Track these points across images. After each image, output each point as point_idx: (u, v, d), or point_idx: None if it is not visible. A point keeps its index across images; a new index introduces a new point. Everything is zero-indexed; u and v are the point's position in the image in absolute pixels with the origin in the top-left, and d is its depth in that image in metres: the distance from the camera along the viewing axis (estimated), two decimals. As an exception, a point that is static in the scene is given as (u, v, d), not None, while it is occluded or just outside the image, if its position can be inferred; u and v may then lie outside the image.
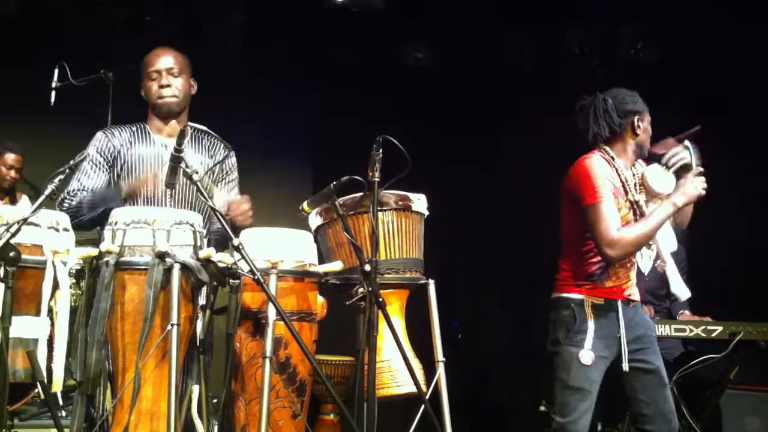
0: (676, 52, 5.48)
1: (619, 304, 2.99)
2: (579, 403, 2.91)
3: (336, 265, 2.96)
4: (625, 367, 2.94)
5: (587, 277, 2.99)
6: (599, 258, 2.96)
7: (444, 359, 3.09)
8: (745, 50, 5.05)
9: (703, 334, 3.64)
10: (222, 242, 2.96)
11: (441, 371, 3.08)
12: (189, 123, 2.72)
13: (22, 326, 2.57)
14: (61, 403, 3.66)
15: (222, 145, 3.23)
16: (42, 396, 2.59)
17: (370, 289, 2.75)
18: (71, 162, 2.67)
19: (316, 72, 5.88)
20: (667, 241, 3.23)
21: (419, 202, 3.21)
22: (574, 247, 3.02)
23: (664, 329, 3.60)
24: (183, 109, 3.20)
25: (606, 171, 2.99)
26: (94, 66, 3.51)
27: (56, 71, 3.03)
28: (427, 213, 3.24)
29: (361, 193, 3.05)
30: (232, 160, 3.29)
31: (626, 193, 3.02)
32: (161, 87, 3.13)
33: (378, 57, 5.76)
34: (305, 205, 3.07)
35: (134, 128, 3.20)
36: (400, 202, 3.16)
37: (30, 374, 2.56)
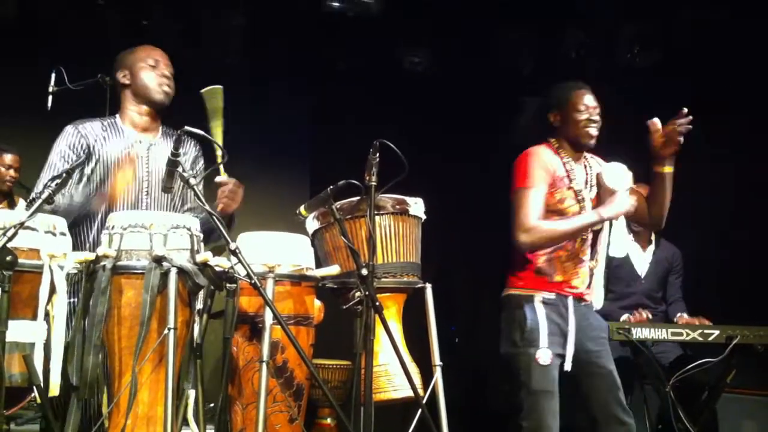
0: (675, 52, 5.48)
1: (570, 300, 2.98)
2: (546, 405, 2.89)
3: (333, 269, 2.96)
4: (567, 366, 2.91)
5: (535, 271, 2.98)
6: (546, 250, 2.96)
7: (441, 363, 3.09)
8: (745, 50, 5.06)
9: (700, 338, 3.64)
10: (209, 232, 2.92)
11: (438, 375, 3.07)
12: (186, 127, 2.72)
13: (18, 330, 2.55)
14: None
15: (192, 142, 3.23)
16: (38, 400, 2.58)
17: (367, 293, 2.74)
18: (68, 167, 2.67)
19: (314, 74, 5.88)
20: (617, 245, 3.24)
21: (416, 206, 3.21)
22: None
23: (660, 333, 3.60)
24: (166, 107, 3.19)
25: (545, 160, 3.00)
26: (93, 69, 3.51)
27: (53, 75, 3.02)
28: (424, 217, 3.24)
29: (358, 197, 3.04)
30: (201, 161, 3.28)
31: (570, 181, 3.03)
32: (164, 77, 3.14)
33: (377, 58, 5.76)
34: (302, 209, 3.06)
35: (105, 122, 3.15)
36: (397, 206, 3.16)
37: (26, 378, 2.55)
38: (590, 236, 3.11)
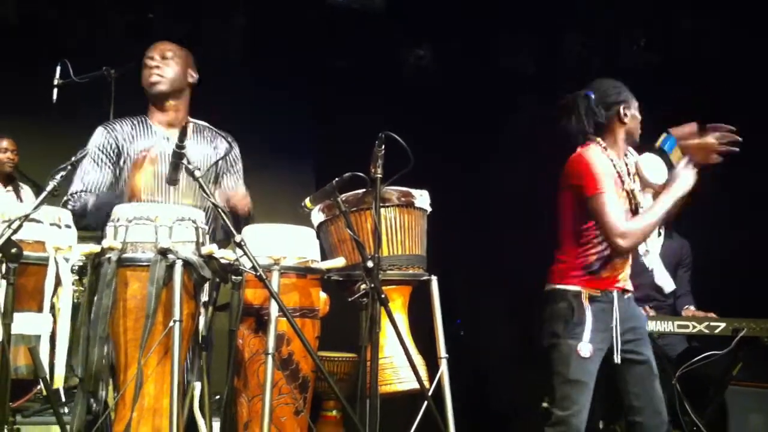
0: (676, 54, 5.48)
1: (615, 294, 2.98)
2: (579, 396, 2.89)
3: (338, 262, 2.95)
4: (617, 359, 2.93)
5: (584, 268, 2.98)
6: (598, 249, 2.96)
7: (447, 356, 3.08)
8: (746, 51, 5.06)
9: (707, 331, 3.63)
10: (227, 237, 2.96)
11: (444, 368, 3.07)
12: (190, 119, 2.72)
13: (24, 323, 2.56)
14: (63, 399, 3.66)
15: (220, 138, 3.22)
16: (44, 392, 2.58)
17: (372, 285, 2.74)
18: (73, 158, 2.68)
19: (316, 75, 5.88)
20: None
21: (422, 198, 3.20)
22: (573, 238, 3.01)
23: (667, 326, 3.59)
24: (174, 93, 3.15)
25: (606, 162, 2.99)
26: (96, 66, 3.52)
27: (58, 68, 3.02)
28: (429, 209, 3.24)
29: (363, 190, 3.05)
30: (236, 151, 3.27)
31: (622, 183, 3.02)
32: (150, 68, 3.12)
33: (379, 57, 5.76)
34: (307, 201, 3.06)
35: (135, 121, 3.17)
36: (403, 198, 3.16)
37: (32, 371, 2.55)
38: None
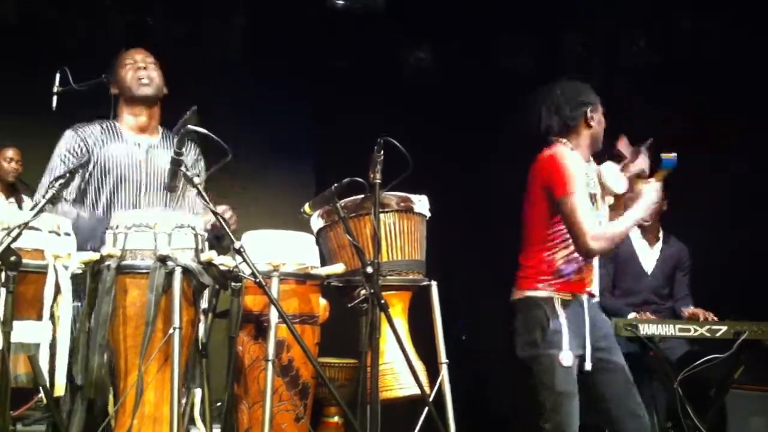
0: (676, 54, 5.47)
1: (585, 299, 2.92)
2: (569, 406, 2.83)
3: (338, 268, 2.95)
4: (588, 366, 2.85)
5: (554, 272, 2.89)
6: (564, 252, 2.88)
7: (447, 361, 3.08)
8: (746, 51, 5.05)
9: (708, 334, 3.62)
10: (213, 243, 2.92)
11: (444, 373, 3.07)
12: (189, 126, 2.71)
13: (23, 331, 2.55)
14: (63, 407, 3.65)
15: (193, 144, 3.18)
16: (44, 401, 2.57)
17: (372, 291, 2.73)
18: (71, 166, 2.67)
19: (317, 73, 5.87)
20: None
21: (421, 203, 3.20)
22: (539, 240, 2.92)
23: (668, 329, 3.58)
24: (156, 99, 3.14)
25: (576, 162, 2.92)
26: (96, 71, 3.50)
27: (57, 76, 3.01)
28: (428, 214, 3.23)
29: (362, 195, 3.04)
30: (201, 164, 3.25)
31: (586, 185, 2.94)
32: (138, 70, 3.10)
33: (379, 57, 5.75)
34: (306, 207, 3.06)
35: (104, 125, 3.13)
36: (402, 204, 3.16)
37: (32, 379, 2.54)
38: None
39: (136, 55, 3.15)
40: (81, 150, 3.05)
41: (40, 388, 2.56)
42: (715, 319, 3.92)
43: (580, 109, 2.97)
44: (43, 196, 2.78)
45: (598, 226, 2.86)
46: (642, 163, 3.04)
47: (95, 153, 3.06)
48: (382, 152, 2.84)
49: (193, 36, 5.49)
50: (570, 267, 2.91)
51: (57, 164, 3.04)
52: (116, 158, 3.06)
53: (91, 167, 3.05)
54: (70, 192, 3.03)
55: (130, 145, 3.11)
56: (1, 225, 2.56)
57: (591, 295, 2.97)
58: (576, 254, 2.89)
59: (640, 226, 4.18)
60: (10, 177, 5.25)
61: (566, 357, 2.81)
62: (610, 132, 3.13)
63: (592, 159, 3.07)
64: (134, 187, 3.04)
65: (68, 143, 3.07)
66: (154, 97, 3.14)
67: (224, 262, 2.68)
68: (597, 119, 3.00)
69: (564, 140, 2.98)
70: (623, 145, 3.08)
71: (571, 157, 2.92)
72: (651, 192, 2.97)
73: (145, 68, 3.11)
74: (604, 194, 3.03)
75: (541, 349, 2.84)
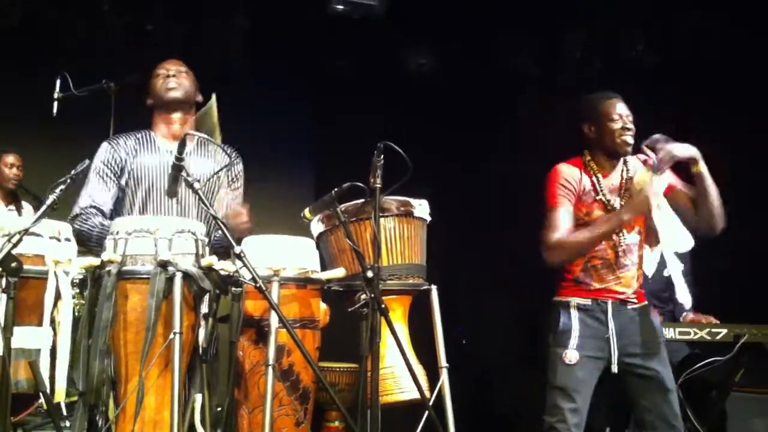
0: (676, 54, 5.46)
1: (609, 305, 3.03)
2: (565, 403, 2.95)
3: (338, 272, 2.95)
4: (614, 368, 2.98)
5: (573, 279, 3.07)
6: (583, 261, 3.04)
7: (447, 365, 3.08)
8: (746, 51, 5.04)
9: (708, 337, 3.63)
10: (224, 250, 2.96)
11: (444, 377, 3.07)
12: (189, 131, 2.72)
13: (24, 337, 2.56)
14: (64, 413, 3.66)
15: (219, 149, 3.24)
16: (45, 406, 2.58)
17: (372, 295, 2.73)
18: (72, 172, 2.68)
19: (316, 76, 5.87)
20: (680, 245, 3.25)
21: (421, 207, 3.20)
22: None
23: (668, 332, 3.58)
24: (186, 104, 3.22)
25: (567, 176, 3.07)
26: (96, 75, 3.52)
27: (58, 81, 3.02)
28: (429, 218, 3.23)
29: (362, 200, 3.04)
30: (239, 167, 3.30)
31: (596, 193, 3.06)
32: (167, 77, 3.18)
33: (379, 57, 5.75)
34: (306, 212, 3.06)
35: (139, 135, 3.21)
36: (402, 208, 3.15)
37: (33, 385, 2.55)
38: (632, 242, 3.10)
39: (167, 65, 3.23)
40: (115, 160, 3.13)
41: (41, 393, 2.57)
42: (717, 322, 3.92)
43: (579, 125, 3.12)
44: (73, 217, 2.87)
45: (555, 237, 2.99)
46: (673, 151, 2.98)
47: (128, 163, 3.13)
48: (382, 157, 2.84)
49: (193, 36, 5.48)
50: (587, 275, 3.06)
51: (93, 177, 3.12)
52: (148, 167, 3.13)
53: (126, 177, 3.13)
54: (105, 202, 3.10)
55: (163, 154, 3.16)
56: (1, 231, 2.56)
57: (625, 302, 3.05)
58: (593, 263, 3.04)
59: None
60: (10, 184, 5.05)
61: (570, 354, 2.98)
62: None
63: (637, 161, 3.09)
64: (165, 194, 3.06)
65: (103, 156, 3.16)
66: (182, 100, 3.20)
67: (224, 267, 2.68)
68: (597, 129, 3.08)
69: (585, 151, 3.14)
70: (647, 148, 3.08)
71: (567, 170, 3.08)
72: (640, 201, 2.99)
73: (174, 76, 3.19)
74: (633, 196, 3.04)
75: (551, 347, 3.05)
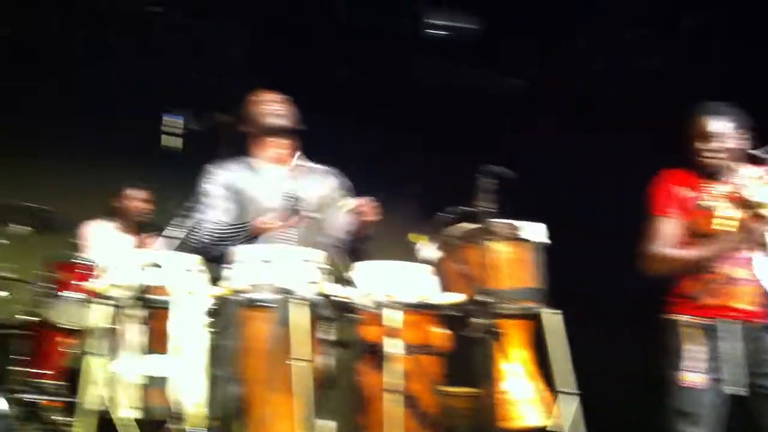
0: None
1: (721, 322, 2.90)
2: (688, 428, 2.85)
3: (456, 297, 2.94)
4: (727, 389, 2.87)
5: (685, 296, 2.96)
6: (695, 276, 2.95)
7: (579, 392, 2.98)
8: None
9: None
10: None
11: (569, 403, 2.99)
12: (297, 162, 2.80)
13: (154, 365, 2.63)
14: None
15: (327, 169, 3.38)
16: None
17: (487, 320, 2.72)
18: (188, 204, 2.78)
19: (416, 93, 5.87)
20: None
21: (532, 230, 3.16)
22: None
23: None
24: (291, 131, 3.32)
25: (671, 184, 3.03)
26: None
27: (174, 117, 3.11)
28: (543, 241, 3.18)
29: (472, 224, 3.04)
30: (345, 184, 3.40)
31: (704, 201, 3.00)
32: (275, 105, 3.31)
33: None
34: (415, 236, 3.08)
35: (241, 161, 3.33)
36: (512, 232, 3.13)
37: (166, 412, 2.61)
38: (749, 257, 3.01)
39: (270, 95, 3.35)
40: (225, 184, 3.24)
41: (169, 420, 2.63)
42: None
43: (693, 143, 3.06)
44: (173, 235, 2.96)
45: (653, 247, 2.96)
46: None
47: (233, 188, 3.23)
48: (490, 179, 2.85)
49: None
50: (698, 290, 2.94)
51: (208, 202, 3.22)
52: (252, 191, 3.24)
53: (232, 203, 3.22)
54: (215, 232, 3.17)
55: (265, 178, 3.27)
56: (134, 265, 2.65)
57: (743, 319, 2.92)
58: (705, 277, 2.93)
59: None
60: (143, 218, 4.98)
61: (691, 377, 2.88)
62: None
63: (735, 172, 3.03)
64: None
65: (213, 179, 3.26)
66: (289, 128, 3.31)
67: (344, 293, 2.72)
68: (704, 151, 3.03)
69: (692, 159, 3.09)
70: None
71: (665, 178, 3.06)
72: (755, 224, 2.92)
73: (279, 101, 3.32)
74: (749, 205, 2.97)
75: (666, 368, 2.97)
